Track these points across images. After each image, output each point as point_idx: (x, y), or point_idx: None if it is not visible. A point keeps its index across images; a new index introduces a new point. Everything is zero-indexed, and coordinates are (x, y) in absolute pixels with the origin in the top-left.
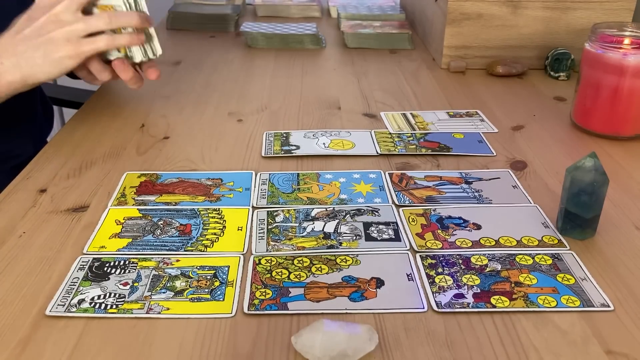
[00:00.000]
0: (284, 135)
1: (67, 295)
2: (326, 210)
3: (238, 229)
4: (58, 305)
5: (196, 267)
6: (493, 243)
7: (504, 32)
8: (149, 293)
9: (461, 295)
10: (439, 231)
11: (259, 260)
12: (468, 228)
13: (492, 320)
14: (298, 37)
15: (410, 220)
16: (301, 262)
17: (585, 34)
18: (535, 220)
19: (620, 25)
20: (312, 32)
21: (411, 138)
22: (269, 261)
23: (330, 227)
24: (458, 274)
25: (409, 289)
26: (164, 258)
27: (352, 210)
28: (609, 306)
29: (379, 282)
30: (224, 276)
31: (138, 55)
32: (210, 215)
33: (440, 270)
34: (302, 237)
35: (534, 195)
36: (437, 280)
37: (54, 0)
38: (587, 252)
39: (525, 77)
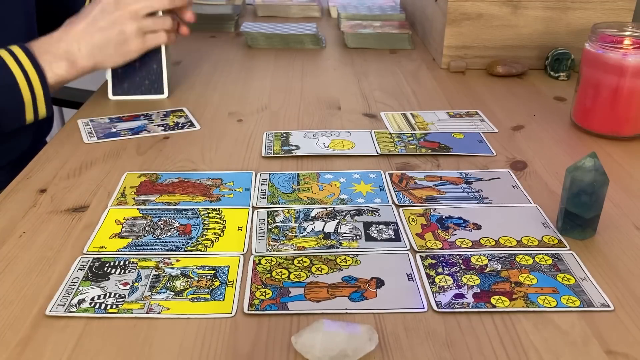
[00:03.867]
0: (284, 135)
1: (67, 295)
2: (326, 210)
3: (238, 229)
4: (58, 305)
5: (196, 267)
6: (493, 243)
7: (504, 32)
8: (149, 293)
9: (461, 295)
10: (439, 231)
11: (259, 260)
12: (468, 228)
13: (492, 320)
14: (298, 37)
15: (410, 220)
16: (301, 262)
17: (585, 34)
18: (535, 220)
19: (620, 25)
20: (312, 32)
21: (411, 138)
22: (269, 261)
23: (330, 227)
24: (458, 274)
25: (409, 289)
26: (164, 258)
27: (352, 210)
28: (609, 306)
29: (379, 282)
30: (224, 276)
31: None
32: (210, 215)
33: (440, 270)
34: (302, 237)
35: (534, 195)
36: (437, 280)
37: None
38: (587, 252)
39: (525, 77)
